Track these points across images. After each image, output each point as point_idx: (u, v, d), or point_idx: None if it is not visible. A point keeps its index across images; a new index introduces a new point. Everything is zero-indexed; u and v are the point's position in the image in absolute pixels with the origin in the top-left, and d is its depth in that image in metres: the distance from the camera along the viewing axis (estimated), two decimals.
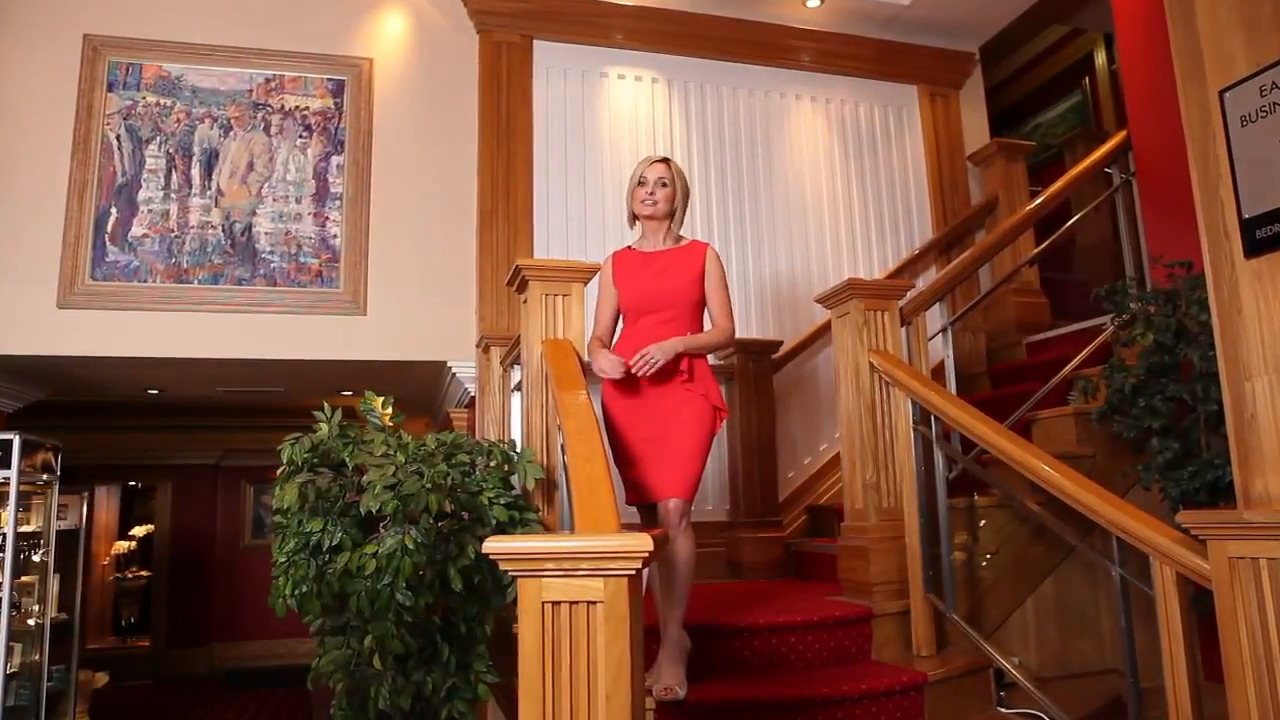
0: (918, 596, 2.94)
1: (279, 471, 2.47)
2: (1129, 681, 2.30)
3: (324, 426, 2.59)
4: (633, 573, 1.44)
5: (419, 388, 5.28)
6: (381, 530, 2.32)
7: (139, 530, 9.78)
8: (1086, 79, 6.47)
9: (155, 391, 5.25)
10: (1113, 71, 6.19)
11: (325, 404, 2.63)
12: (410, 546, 2.23)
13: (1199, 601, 2.16)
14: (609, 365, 2.59)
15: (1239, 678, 1.92)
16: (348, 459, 2.49)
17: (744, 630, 2.76)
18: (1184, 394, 2.84)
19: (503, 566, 1.45)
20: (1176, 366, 2.91)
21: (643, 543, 1.42)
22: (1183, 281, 2.91)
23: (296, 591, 2.40)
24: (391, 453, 2.42)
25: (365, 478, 2.32)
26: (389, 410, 2.69)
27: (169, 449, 9.02)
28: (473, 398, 4.31)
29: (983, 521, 3.24)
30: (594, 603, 1.44)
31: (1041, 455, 2.55)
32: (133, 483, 9.84)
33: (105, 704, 7.91)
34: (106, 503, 9.80)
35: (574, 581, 1.44)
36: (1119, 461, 3.24)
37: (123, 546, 9.74)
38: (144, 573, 9.60)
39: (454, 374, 4.36)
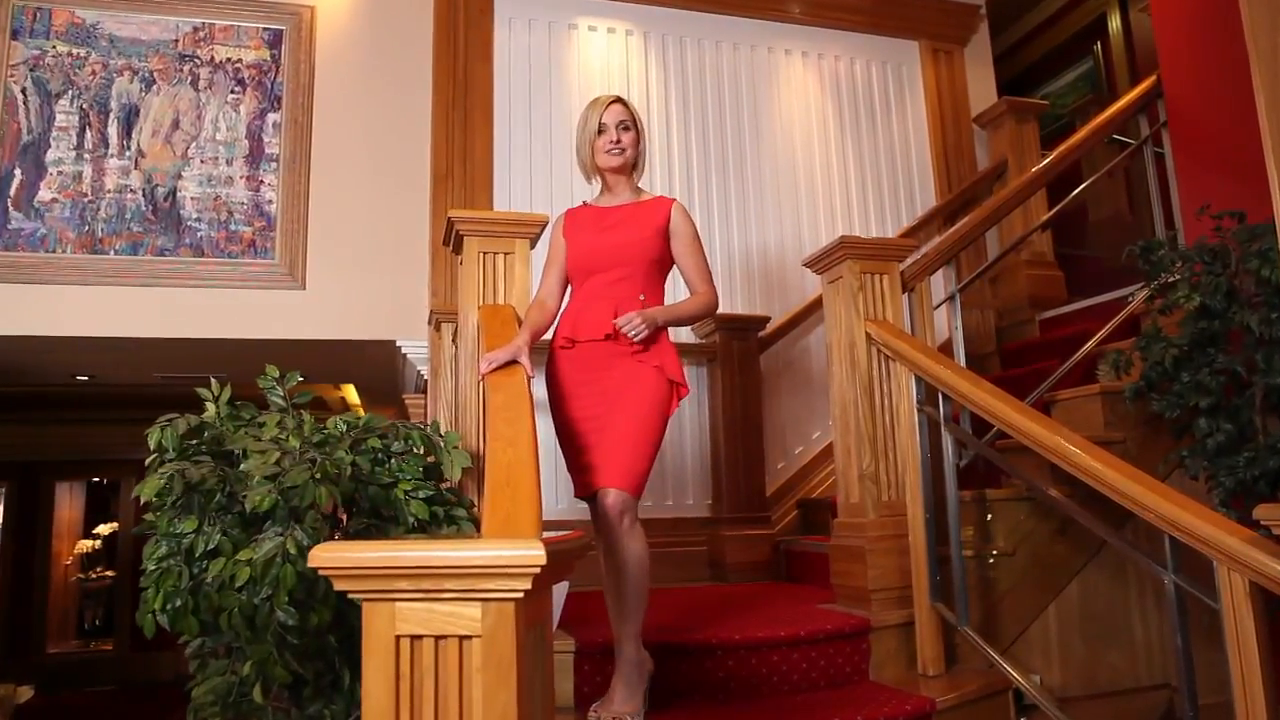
0: (923, 605, 2.51)
1: (147, 461, 2.03)
2: (1188, 713, 1.86)
3: (211, 406, 2.15)
4: (520, 595, 1.00)
5: (377, 371, 4.83)
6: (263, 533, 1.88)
7: (103, 528, 9.32)
8: (1098, 44, 6.03)
9: (85, 378, 4.81)
10: (1127, 32, 5.75)
11: (213, 380, 2.20)
12: (294, 551, 1.79)
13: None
14: (496, 355, 2.07)
15: None
16: (237, 446, 2.06)
17: (716, 648, 2.32)
18: (1237, 366, 2.41)
19: (338, 586, 1.02)
20: (1226, 334, 2.49)
21: (532, 551, 0.98)
22: (1234, 235, 2.48)
23: (169, 606, 1.97)
24: (284, 437, 1.99)
25: (243, 466, 1.88)
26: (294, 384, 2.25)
27: (133, 443, 8.57)
28: (427, 381, 3.87)
29: (989, 515, 2.80)
30: (468, 638, 1.00)
31: (1074, 438, 2.12)
32: (96, 479, 9.39)
33: (65, 713, 7.51)
34: (70, 500, 9.34)
35: (440, 608, 1.00)
36: (1156, 447, 2.81)
37: (87, 545, 9.28)
38: (109, 573, 9.16)
39: (405, 354, 3.92)
